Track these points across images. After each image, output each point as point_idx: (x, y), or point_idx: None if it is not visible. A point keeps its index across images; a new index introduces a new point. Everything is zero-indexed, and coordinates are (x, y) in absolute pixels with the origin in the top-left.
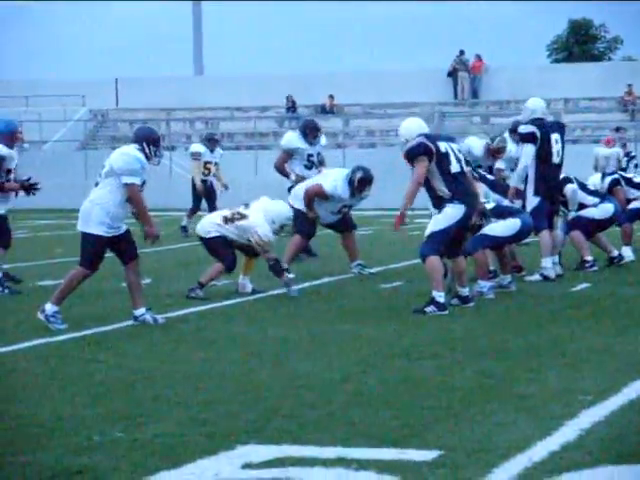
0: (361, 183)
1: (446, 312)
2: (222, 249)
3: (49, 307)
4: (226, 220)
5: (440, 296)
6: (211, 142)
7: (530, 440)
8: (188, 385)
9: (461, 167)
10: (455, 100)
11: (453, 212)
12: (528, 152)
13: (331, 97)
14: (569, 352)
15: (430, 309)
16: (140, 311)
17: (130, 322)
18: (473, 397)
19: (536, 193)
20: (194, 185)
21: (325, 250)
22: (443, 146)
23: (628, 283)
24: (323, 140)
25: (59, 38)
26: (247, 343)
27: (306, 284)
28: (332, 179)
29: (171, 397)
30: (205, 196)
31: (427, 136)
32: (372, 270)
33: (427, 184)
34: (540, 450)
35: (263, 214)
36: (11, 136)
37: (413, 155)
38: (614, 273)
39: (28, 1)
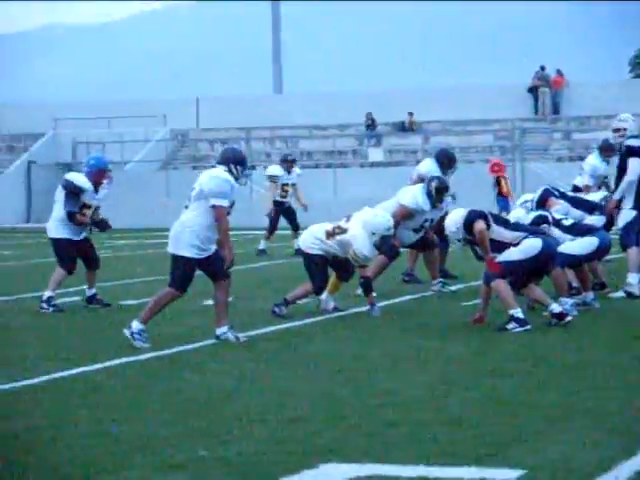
0: (439, 192)
1: (529, 327)
2: (317, 270)
3: (135, 324)
4: (328, 235)
5: (517, 312)
6: (287, 163)
7: (615, 460)
8: (270, 403)
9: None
10: (536, 116)
11: (530, 243)
12: (636, 166)
13: (410, 114)
14: None
15: (512, 326)
16: (222, 330)
17: (212, 341)
18: (556, 415)
19: (634, 207)
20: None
21: (405, 266)
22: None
23: None
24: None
25: (140, 58)
26: (328, 361)
27: (387, 302)
28: (410, 195)
29: (252, 415)
30: (285, 217)
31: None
32: (453, 288)
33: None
34: (625, 470)
35: (362, 227)
36: (99, 173)
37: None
38: None
39: (108, 21)
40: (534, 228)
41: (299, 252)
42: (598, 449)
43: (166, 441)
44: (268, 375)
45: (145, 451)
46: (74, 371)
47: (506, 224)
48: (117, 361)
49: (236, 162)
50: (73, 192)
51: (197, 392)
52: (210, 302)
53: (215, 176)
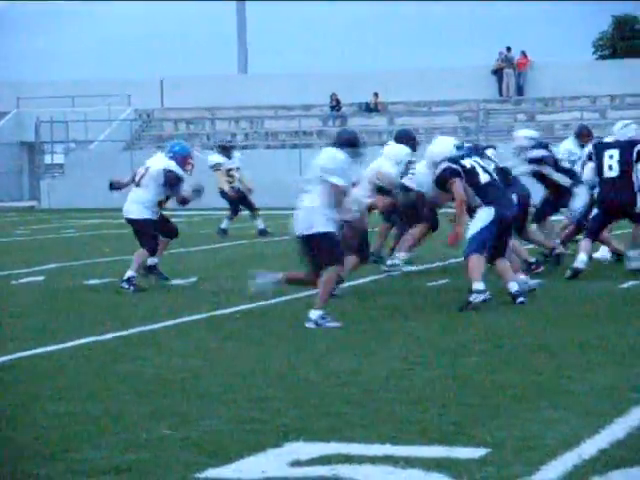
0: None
1: (488, 294)
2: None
3: (314, 313)
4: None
5: (479, 284)
6: (225, 149)
7: (579, 437)
8: (235, 383)
9: (490, 176)
10: (500, 97)
11: (484, 214)
12: None
13: (375, 95)
14: (618, 349)
15: (473, 297)
16: (316, 313)
17: (177, 320)
18: (521, 394)
19: None
20: (224, 194)
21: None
22: (468, 163)
23: None
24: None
25: (104, 38)
26: (293, 341)
27: (352, 282)
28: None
29: (218, 395)
30: (239, 201)
31: (450, 159)
32: (413, 268)
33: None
34: (589, 448)
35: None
36: (184, 160)
37: (444, 181)
38: None
39: (75, 1)
40: (495, 192)
41: (262, 233)
42: (561, 427)
43: (130, 420)
44: (233, 355)
45: (109, 430)
46: (39, 350)
47: (476, 186)
48: (82, 341)
49: (351, 144)
50: (171, 182)
51: (161, 372)
52: (176, 281)
53: (333, 157)
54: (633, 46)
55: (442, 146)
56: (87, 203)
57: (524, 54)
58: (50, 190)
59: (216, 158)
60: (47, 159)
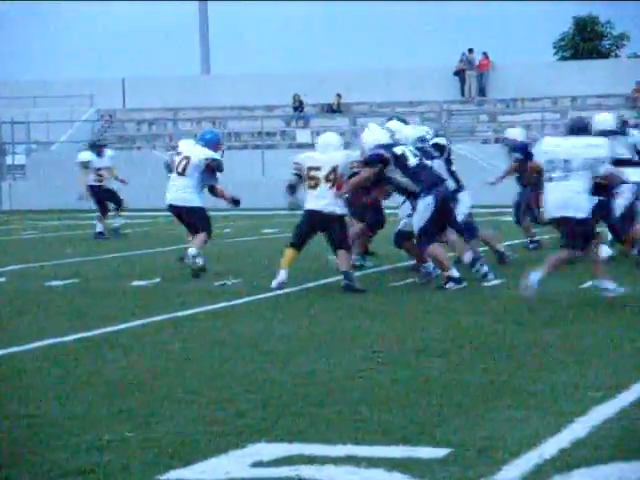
0: None
1: (465, 284)
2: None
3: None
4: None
5: (453, 271)
6: (96, 148)
7: (540, 437)
8: (197, 384)
9: (420, 160)
10: (462, 98)
11: (422, 207)
12: None
13: (338, 96)
14: (579, 348)
15: (449, 285)
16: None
17: (140, 321)
18: (483, 394)
19: None
20: (92, 193)
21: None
22: (399, 149)
23: (637, 280)
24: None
25: (66, 38)
26: (256, 341)
27: (315, 282)
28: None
29: (180, 396)
30: (106, 199)
31: (382, 146)
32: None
33: (400, 190)
34: (550, 447)
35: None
36: (217, 146)
37: (371, 162)
38: (623, 270)
39: (35, 1)
40: (431, 179)
41: (115, 231)
42: (523, 427)
43: (92, 422)
44: (195, 356)
45: (71, 432)
46: (0, 352)
47: (406, 170)
48: (44, 342)
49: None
50: (212, 168)
51: (124, 373)
52: (139, 283)
53: (595, 145)
54: (594, 47)
55: (374, 134)
56: (49, 204)
57: (486, 55)
58: (11, 191)
59: (86, 156)
60: (8, 160)
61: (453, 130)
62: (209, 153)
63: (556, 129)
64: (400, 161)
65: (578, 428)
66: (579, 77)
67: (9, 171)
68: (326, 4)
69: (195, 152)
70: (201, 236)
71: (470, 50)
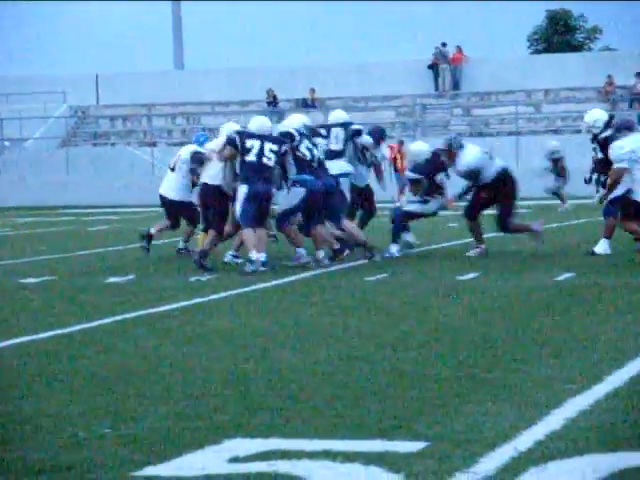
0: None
1: (263, 268)
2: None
3: None
4: None
5: (252, 254)
6: None
7: (515, 430)
8: (173, 380)
9: (258, 160)
10: (436, 92)
11: (240, 193)
12: None
13: (312, 90)
14: (553, 341)
15: (247, 268)
16: None
17: (115, 318)
18: (459, 388)
19: None
20: None
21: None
22: (249, 143)
23: (611, 273)
24: None
25: (38, 34)
26: (231, 337)
27: (291, 277)
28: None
29: (156, 392)
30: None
31: (241, 132)
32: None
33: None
34: (526, 439)
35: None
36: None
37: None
38: (597, 263)
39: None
40: (251, 171)
41: None
42: (499, 420)
43: (68, 419)
44: (172, 352)
45: (47, 430)
46: None
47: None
48: (17, 340)
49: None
50: (198, 161)
51: (100, 370)
52: (113, 279)
53: None
54: (567, 41)
55: (229, 126)
56: (23, 201)
57: (459, 49)
58: None
59: None
60: None
61: (427, 124)
62: (195, 147)
63: (530, 122)
64: (242, 151)
65: (553, 420)
66: (552, 70)
67: None
68: None
69: (185, 149)
70: (210, 234)
71: (444, 44)
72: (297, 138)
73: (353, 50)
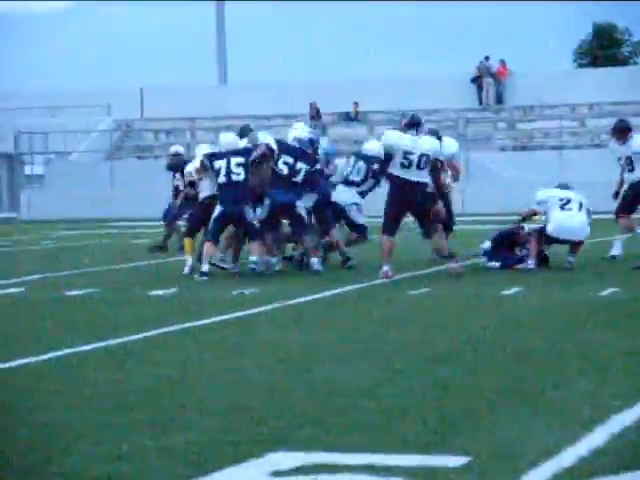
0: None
1: (206, 278)
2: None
3: None
4: None
5: (205, 266)
6: None
7: (559, 445)
8: (215, 393)
9: (228, 179)
10: (480, 106)
11: (215, 210)
12: None
13: (355, 104)
14: (597, 356)
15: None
16: None
17: (157, 331)
18: (501, 402)
19: None
20: None
21: (357, 256)
22: (218, 164)
23: None
24: None
25: (83, 48)
26: (273, 350)
27: (334, 291)
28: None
29: (198, 405)
30: None
31: (213, 154)
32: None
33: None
34: (569, 456)
35: None
36: None
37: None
38: None
39: (51, 11)
40: (223, 191)
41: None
42: (541, 435)
43: (111, 431)
44: (213, 365)
45: (90, 441)
46: (18, 362)
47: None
48: (61, 352)
49: None
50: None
51: (142, 382)
52: (156, 292)
53: None
54: (612, 55)
55: (223, 139)
56: (67, 214)
57: (503, 63)
58: (30, 201)
59: None
60: (27, 170)
61: (470, 138)
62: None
63: (574, 136)
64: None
65: (597, 437)
66: (597, 84)
67: (28, 181)
68: (342, 12)
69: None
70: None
71: (487, 57)
72: (275, 152)
73: (396, 64)
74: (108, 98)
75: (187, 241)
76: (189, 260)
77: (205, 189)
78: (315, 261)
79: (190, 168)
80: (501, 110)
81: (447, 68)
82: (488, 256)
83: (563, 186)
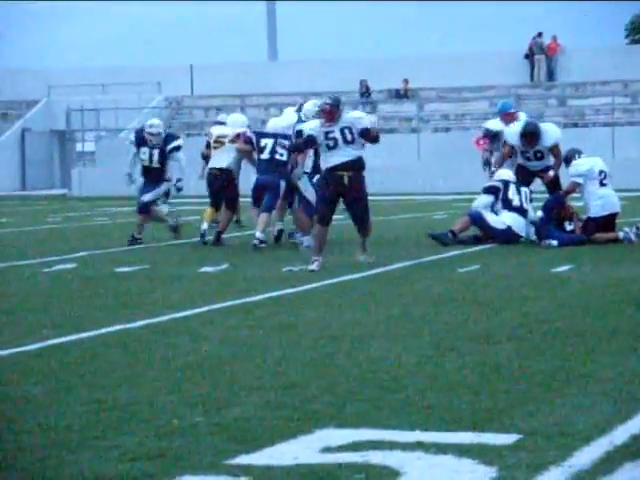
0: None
1: (264, 245)
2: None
3: None
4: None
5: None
6: None
7: (611, 423)
8: (265, 370)
9: (271, 157)
10: (531, 82)
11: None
12: None
13: (405, 81)
14: None
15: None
16: None
17: (207, 307)
18: (552, 380)
19: None
20: None
21: (402, 233)
22: (264, 142)
23: None
24: None
25: (133, 25)
26: (323, 327)
27: (382, 268)
28: None
29: (249, 381)
30: None
31: (262, 133)
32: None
33: None
34: (621, 433)
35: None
36: (503, 115)
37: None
38: None
39: None
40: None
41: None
42: (593, 413)
43: (162, 408)
44: (263, 342)
45: (141, 417)
46: (68, 338)
47: None
48: (112, 328)
49: None
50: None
51: (192, 359)
52: (206, 269)
53: None
54: None
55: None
56: (118, 191)
57: (555, 39)
58: (81, 178)
59: None
60: (78, 147)
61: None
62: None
63: (626, 113)
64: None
65: None
66: None
67: (79, 158)
68: None
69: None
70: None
71: (539, 34)
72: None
73: (447, 40)
74: (159, 75)
75: (209, 210)
76: (204, 225)
77: (213, 160)
78: (306, 238)
79: (228, 131)
80: (552, 87)
81: (498, 45)
82: (544, 233)
83: (578, 152)
